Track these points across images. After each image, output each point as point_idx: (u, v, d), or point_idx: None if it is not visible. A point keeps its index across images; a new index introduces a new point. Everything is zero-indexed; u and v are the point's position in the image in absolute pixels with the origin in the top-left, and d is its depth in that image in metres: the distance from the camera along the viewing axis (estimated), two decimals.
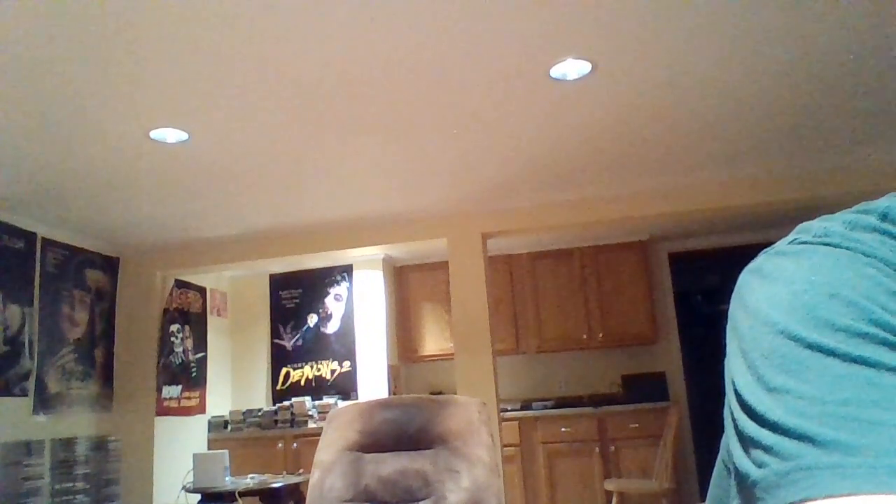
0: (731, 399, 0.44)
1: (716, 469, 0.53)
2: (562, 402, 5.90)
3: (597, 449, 5.50)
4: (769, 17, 2.62)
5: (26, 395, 4.29)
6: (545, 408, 5.77)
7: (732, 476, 0.44)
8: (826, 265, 0.43)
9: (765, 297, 0.44)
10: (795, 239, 0.47)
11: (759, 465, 0.39)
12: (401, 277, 6.38)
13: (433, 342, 6.22)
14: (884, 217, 0.45)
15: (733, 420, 0.43)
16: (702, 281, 6.53)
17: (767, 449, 0.39)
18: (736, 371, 0.44)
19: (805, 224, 0.48)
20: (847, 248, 0.44)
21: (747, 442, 0.41)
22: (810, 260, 0.44)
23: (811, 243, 0.46)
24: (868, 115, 3.66)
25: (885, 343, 0.39)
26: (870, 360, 0.38)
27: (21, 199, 4.08)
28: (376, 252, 5.72)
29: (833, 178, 4.55)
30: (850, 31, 2.77)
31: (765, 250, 0.48)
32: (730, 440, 0.43)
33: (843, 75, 3.16)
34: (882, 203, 0.46)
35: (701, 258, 6.18)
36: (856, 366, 0.38)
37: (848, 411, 0.37)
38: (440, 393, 6.03)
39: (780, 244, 0.48)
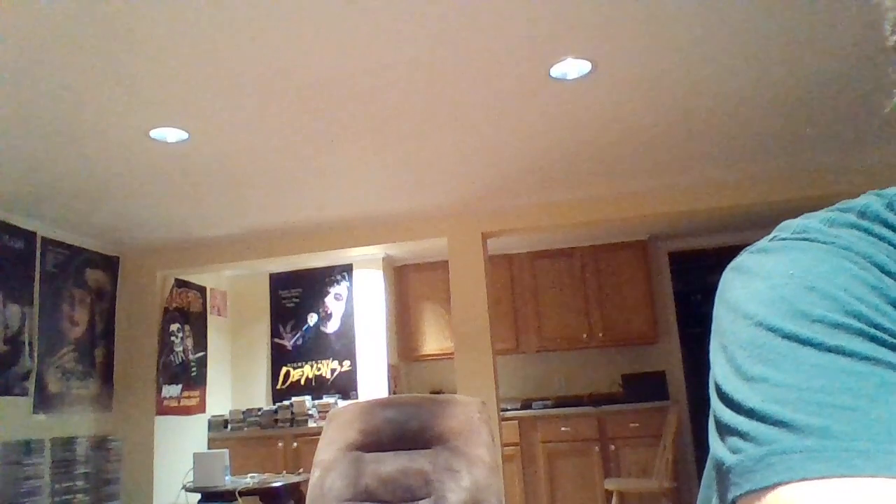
0: (711, 392, 0.44)
1: (706, 470, 0.54)
2: (562, 402, 5.90)
3: (597, 448, 5.50)
4: (769, 18, 2.62)
5: (26, 395, 4.29)
6: (545, 407, 5.77)
7: (713, 469, 0.44)
8: (804, 260, 0.44)
9: (744, 292, 0.45)
10: (775, 236, 0.48)
11: (735, 452, 0.39)
12: (401, 277, 6.38)
13: (433, 341, 6.22)
14: (862, 214, 0.46)
15: (712, 411, 0.44)
16: (702, 280, 6.53)
17: (743, 435, 0.39)
18: (716, 364, 0.44)
19: (786, 222, 0.49)
20: (825, 243, 0.45)
21: (724, 430, 0.41)
22: (789, 255, 0.45)
23: (790, 239, 0.47)
24: (867, 116, 3.66)
25: (860, 333, 0.39)
26: (845, 349, 0.39)
27: (21, 199, 4.08)
28: (376, 251, 5.72)
29: (832, 178, 4.55)
30: (850, 32, 2.77)
31: (746, 248, 0.49)
32: (709, 432, 0.44)
33: (843, 76, 3.16)
34: (860, 201, 0.47)
35: (701, 257, 6.18)
36: (831, 355, 0.39)
37: (823, 398, 0.37)
38: (440, 392, 6.04)
39: (761, 241, 0.49)
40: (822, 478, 0.35)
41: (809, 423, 0.37)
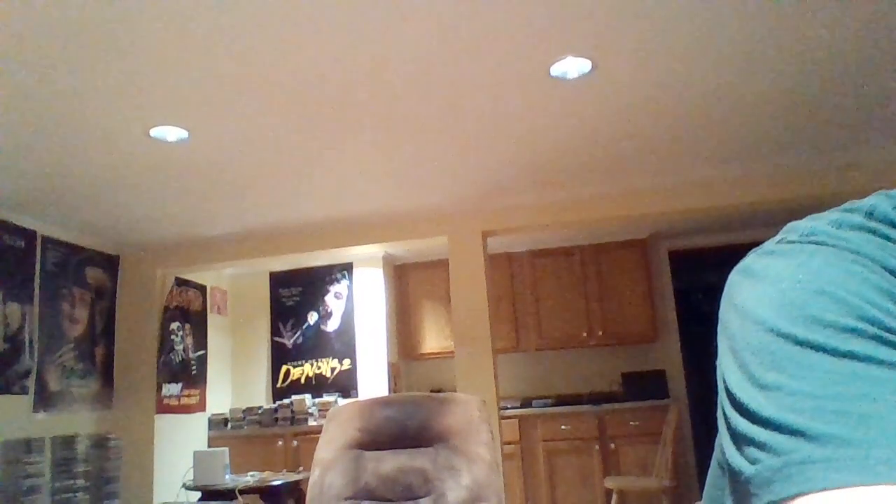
0: (722, 398, 0.44)
1: (711, 468, 0.53)
2: (562, 400, 5.90)
3: (597, 447, 5.50)
4: (769, 16, 2.62)
5: (26, 393, 4.29)
6: (545, 405, 5.77)
7: (727, 474, 0.44)
8: (813, 263, 0.43)
9: (753, 296, 0.44)
10: (783, 238, 0.47)
11: (752, 462, 0.39)
12: (401, 275, 6.38)
13: (433, 340, 6.22)
14: (869, 215, 0.46)
15: (725, 418, 0.43)
16: (702, 279, 6.53)
17: (760, 445, 0.39)
18: (727, 370, 0.44)
19: (792, 224, 0.48)
20: (833, 246, 0.44)
21: (740, 439, 0.41)
22: (797, 258, 0.44)
23: (798, 242, 0.46)
24: (868, 115, 3.66)
25: (873, 338, 0.39)
26: (859, 354, 0.38)
27: (21, 199, 4.08)
28: (376, 250, 5.72)
29: (833, 178, 4.55)
30: (850, 31, 2.76)
31: (753, 250, 0.49)
32: (723, 439, 0.44)
33: (843, 75, 3.16)
34: (868, 202, 0.47)
35: (701, 256, 6.18)
36: (845, 360, 0.39)
37: (839, 405, 0.37)
38: (440, 391, 6.04)
39: (768, 244, 0.48)
40: (844, 487, 0.35)
41: (827, 431, 0.36)
